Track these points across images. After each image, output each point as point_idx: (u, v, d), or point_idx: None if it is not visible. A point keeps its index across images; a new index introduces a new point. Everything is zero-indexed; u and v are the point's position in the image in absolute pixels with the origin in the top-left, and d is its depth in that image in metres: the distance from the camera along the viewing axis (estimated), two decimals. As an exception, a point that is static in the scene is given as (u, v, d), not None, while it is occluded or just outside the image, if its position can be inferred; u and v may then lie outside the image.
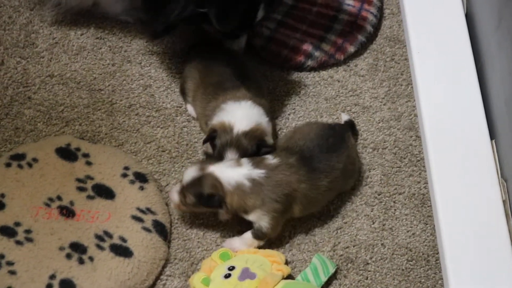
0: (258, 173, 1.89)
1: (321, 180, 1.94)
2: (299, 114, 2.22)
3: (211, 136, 1.97)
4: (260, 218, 1.91)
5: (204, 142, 1.99)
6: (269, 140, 2.00)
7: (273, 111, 2.21)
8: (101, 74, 2.27)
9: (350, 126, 2.13)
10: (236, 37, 2.18)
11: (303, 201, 1.93)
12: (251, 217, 1.91)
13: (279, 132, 2.18)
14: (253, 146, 1.96)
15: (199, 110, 2.12)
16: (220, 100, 2.03)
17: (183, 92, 2.20)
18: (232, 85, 2.06)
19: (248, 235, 1.95)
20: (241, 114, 1.97)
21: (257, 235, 1.93)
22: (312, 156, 1.95)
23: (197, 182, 1.89)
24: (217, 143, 1.96)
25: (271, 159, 1.92)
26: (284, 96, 2.26)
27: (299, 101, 2.25)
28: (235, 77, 2.08)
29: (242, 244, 1.95)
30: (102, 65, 2.30)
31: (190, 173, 1.91)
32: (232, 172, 1.88)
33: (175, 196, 1.93)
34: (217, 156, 1.96)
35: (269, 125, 2.01)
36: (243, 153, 1.94)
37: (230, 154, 1.94)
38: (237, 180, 1.87)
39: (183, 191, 1.91)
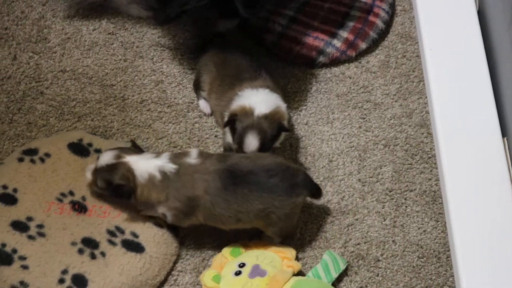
0: (170, 167, 1.86)
1: (231, 204, 1.84)
2: (311, 111, 2.22)
3: (232, 119, 1.95)
4: (165, 213, 1.89)
5: (225, 125, 1.97)
6: (287, 125, 2.00)
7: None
8: (113, 70, 2.28)
9: (314, 189, 1.95)
10: (236, 16, 2.15)
11: (204, 212, 1.87)
12: (160, 210, 1.89)
13: (291, 128, 2.18)
14: (273, 129, 1.95)
15: (214, 102, 2.13)
16: (236, 89, 2.03)
17: (197, 87, 2.20)
18: (250, 76, 2.07)
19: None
20: (260, 98, 1.97)
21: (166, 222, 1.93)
22: (243, 179, 1.84)
23: (110, 169, 1.87)
24: (238, 127, 1.94)
25: (193, 158, 1.88)
26: (295, 93, 2.26)
27: (310, 97, 2.25)
28: (253, 68, 2.09)
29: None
30: (114, 61, 2.30)
31: (106, 157, 1.88)
32: (147, 164, 1.86)
33: (88, 175, 1.92)
34: (237, 141, 1.94)
35: (287, 110, 2.01)
36: (264, 136, 1.93)
37: (251, 137, 1.93)
38: (150, 172, 1.85)
39: (96, 173, 1.90)
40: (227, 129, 1.99)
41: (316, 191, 1.95)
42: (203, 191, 1.84)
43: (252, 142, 1.92)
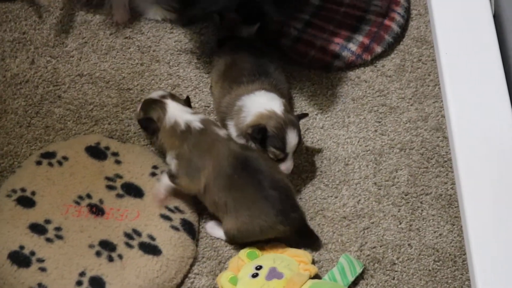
0: (197, 125, 1.96)
1: (226, 190, 1.90)
2: (326, 114, 2.23)
3: (262, 128, 1.94)
4: (171, 161, 1.96)
5: (255, 138, 1.96)
6: None
7: (300, 111, 2.21)
8: (129, 74, 2.29)
9: (304, 231, 1.97)
10: (257, 22, 2.19)
11: (209, 181, 1.91)
12: (168, 157, 1.97)
13: (306, 132, 2.19)
14: (297, 119, 2.00)
15: (216, 102, 2.15)
16: (233, 95, 2.05)
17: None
18: (247, 80, 2.08)
19: (165, 177, 1.98)
20: (266, 99, 1.99)
21: (170, 176, 1.96)
22: (251, 171, 1.90)
23: (151, 102, 2.02)
24: (270, 131, 1.94)
25: (222, 132, 1.98)
26: (311, 96, 2.26)
27: (326, 101, 2.26)
28: (252, 72, 2.09)
29: (163, 184, 1.98)
30: (131, 65, 2.32)
31: (156, 93, 2.06)
32: (179, 113, 1.98)
33: (138, 107, 2.09)
34: (277, 145, 1.95)
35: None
36: (299, 128, 1.97)
37: (291, 133, 1.95)
38: (177, 120, 1.96)
39: (142, 104, 2.06)
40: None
41: (308, 234, 1.97)
42: (213, 164, 1.91)
43: (294, 137, 1.96)
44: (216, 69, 2.19)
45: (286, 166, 1.99)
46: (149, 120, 1.99)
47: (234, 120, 2.03)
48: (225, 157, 1.91)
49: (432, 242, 2.01)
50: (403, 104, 2.26)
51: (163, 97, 2.02)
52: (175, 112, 1.98)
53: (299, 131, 1.98)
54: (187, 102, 2.05)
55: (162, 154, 2.06)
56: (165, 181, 1.97)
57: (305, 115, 2.07)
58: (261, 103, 1.99)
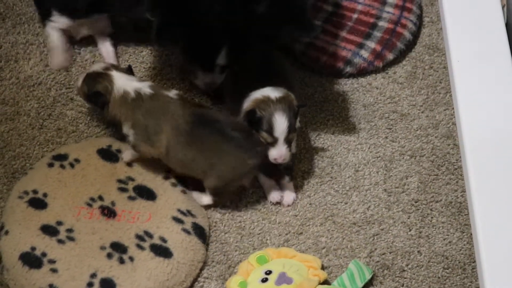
0: (147, 91, 1.98)
1: (190, 147, 1.94)
2: (338, 120, 2.23)
3: (252, 110, 1.95)
4: (128, 132, 1.98)
5: (247, 121, 1.97)
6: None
7: (311, 117, 2.22)
8: (141, 77, 2.30)
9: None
10: (207, 70, 2.14)
11: (170, 142, 1.94)
12: (124, 128, 1.99)
13: (317, 138, 2.19)
14: (293, 107, 1.97)
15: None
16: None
17: None
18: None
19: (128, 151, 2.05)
20: (267, 90, 1.99)
21: (133, 146, 2.01)
22: (209, 124, 1.94)
23: (96, 76, 2.01)
24: (263, 114, 1.94)
25: (173, 93, 1.99)
26: (322, 102, 2.27)
27: (337, 107, 2.26)
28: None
29: (128, 155, 2.05)
30: (143, 68, 2.33)
31: (97, 65, 2.04)
32: (127, 82, 1.99)
33: (80, 80, 2.06)
34: (266, 128, 1.94)
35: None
36: (289, 113, 1.94)
37: (279, 117, 1.93)
38: (125, 90, 1.97)
39: (85, 78, 2.04)
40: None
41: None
42: (170, 124, 1.93)
43: (281, 121, 1.94)
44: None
45: (276, 151, 1.96)
46: (97, 94, 1.99)
47: (241, 113, 2.03)
48: (181, 116, 1.94)
49: (442, 249, 2.01)
50: (414, 111, 2.26)
51: (107, 68, 2.02)
52: (123, 82, 1.99)
53: (290, 114, 1.94)
54: (130, 71, 2.06)
55: (116, 126, 2.08)
56: (127, 154, 2.04)
57: (303, 105, 2.04)
58: (261, 91, 1.99)
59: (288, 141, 1.97)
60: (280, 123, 1.94)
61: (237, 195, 2.07)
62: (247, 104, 1.99)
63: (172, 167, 2.01)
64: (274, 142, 1.96)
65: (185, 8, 1.94)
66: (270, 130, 1.95)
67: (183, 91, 2.24)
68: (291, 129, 1.95)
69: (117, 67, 2.05)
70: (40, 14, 2.37)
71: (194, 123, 1.94)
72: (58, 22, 2.28)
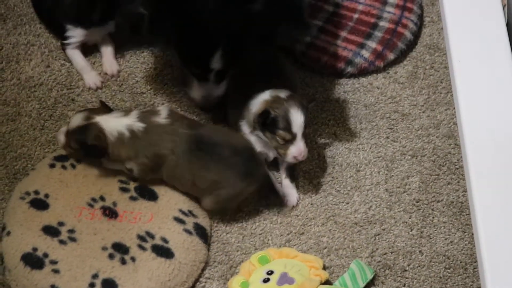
0: (138, 126, 1.94)
1: (192, 167, 1.93)
2: (339, 120, 2.23)
3: (266, 111, 1.93)
4: (132, 168, 1.97)
5: (260, 122, 1.96)
6: None
7: (313, 117, 2.22)
8: (143, 78, 2.30)
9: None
10: (202, 76, 2.07)
11: (168, 170, 1.96)
12: (127, 165, 1.97)
13: (319, 138, 2.19)
14: (306, 102, 1.97)
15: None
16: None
17: None
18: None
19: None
20: (272, 91, 1.98)
21: (132, 176, 2.02)
22: (208, 147, 1.92)
23: (82, 130, 1.95)
24: (277, 113, 1.93)
25: (162, 117, 1.96)
26: (323, 102, 2.27)
27: (338, 107, 2.26)
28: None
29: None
30: (144, 69, 2.33)
31: (77, 120, 1.98)
32: (116, 122, 1.95)
33: (61, 137, 2.01)
34: (282, 126, 1.92)
35: None
36: (305, 109, 1.94)
37: (295, 113, 1.92)
38: (119, 131, 1.94)
39: (68, 135, 1.99)
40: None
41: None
42: (170, 150, 1.92)
43: (298, 115, 1.93)
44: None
45: (296, 148, 1.95)
46: (93, 148, 1.94)
47: (245, 118, 2.03)
48: (178, 145, 1.93)
49: (443, 249, 2.01)
50: (415, 111, 2.26)
51: (88, 118, 1.96)
52: (112, 124, 1.95)
53: (304, 109, 1.94)
54: (106, 107, 2.02)
55: (120, 164, 2.01)
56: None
57: (314, 99, 2.05)
58: (266, 92, 1.98)
59: (304, 137, 1.97)
60: (297, 117, 1.93)
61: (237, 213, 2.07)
62: (256, 107, 1.98)
63: (176, 186, 2.02)
64: (292, 139, 1.94)
65: (178, 3, 1.89)
66: (288, 127, 1.93)
67: (183, 92, 2.24)
68: (306, 123, 1.96)
69: (94, 110, 2.00)
70: (55, 34, 2.36)
71: (192, 151, 1.92)
72: (75, 36, 2.27)
